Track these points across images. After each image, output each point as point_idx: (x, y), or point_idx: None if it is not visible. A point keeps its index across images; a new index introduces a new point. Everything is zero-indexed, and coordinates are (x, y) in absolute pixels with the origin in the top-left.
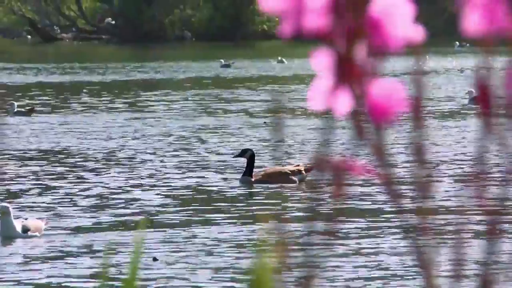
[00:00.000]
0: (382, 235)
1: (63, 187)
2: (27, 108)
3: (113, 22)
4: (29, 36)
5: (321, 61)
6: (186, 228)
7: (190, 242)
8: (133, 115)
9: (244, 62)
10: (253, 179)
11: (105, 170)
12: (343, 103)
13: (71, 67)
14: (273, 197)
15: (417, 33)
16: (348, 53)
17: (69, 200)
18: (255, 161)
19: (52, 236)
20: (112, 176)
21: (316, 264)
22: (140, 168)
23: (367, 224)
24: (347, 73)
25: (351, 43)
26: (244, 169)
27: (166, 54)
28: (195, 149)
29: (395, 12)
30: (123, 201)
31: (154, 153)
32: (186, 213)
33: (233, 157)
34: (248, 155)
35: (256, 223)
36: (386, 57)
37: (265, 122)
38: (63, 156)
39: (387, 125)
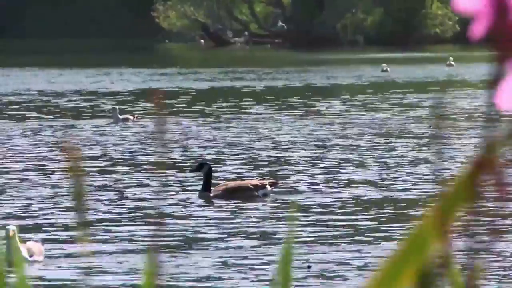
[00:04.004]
0: None
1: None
2: (132, 114)
3: (285, 26)
4: (202, 41)
5: None
6: (345, 241)
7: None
8: (298, 122)
9: (412, 67)
10: (211, 194)
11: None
12: None
13: (242, 71)
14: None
15: None
16: None
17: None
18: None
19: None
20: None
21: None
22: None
23: None
24: None
25: None
26: (202, 184)
27: (335, 59)
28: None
29: None
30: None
31: (313, 159)
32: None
33: (189, 171)
34: (205, 169)
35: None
36: None
37: (429, 127)
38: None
39: None
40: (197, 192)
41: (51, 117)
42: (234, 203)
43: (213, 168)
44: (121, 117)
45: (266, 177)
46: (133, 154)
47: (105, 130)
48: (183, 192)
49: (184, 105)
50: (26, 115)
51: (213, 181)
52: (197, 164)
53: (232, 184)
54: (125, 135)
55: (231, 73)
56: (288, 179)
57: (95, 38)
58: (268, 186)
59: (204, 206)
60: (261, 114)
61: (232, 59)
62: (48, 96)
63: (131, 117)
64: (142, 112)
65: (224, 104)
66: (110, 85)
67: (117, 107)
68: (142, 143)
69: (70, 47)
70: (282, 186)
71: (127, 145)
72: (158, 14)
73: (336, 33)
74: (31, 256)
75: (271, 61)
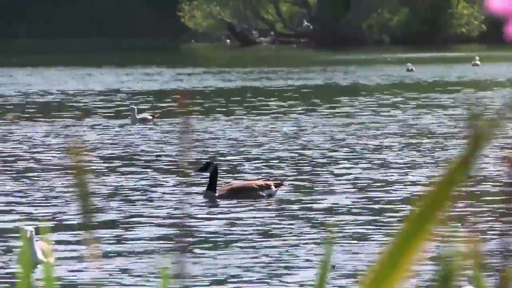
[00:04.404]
0: None
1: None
2: (151, 115)
3: (311, 26)
4: (228, 41)
5: None
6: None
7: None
8: (319, 121)
9: (437, 66)
10: (216, 194)
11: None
12: None
13: (267, 71)
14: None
15: None
16: None
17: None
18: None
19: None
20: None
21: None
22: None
23: None
24: None
25: None
26: (208, 184)
27: (360, 59)
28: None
29: None
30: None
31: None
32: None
33: (195, 171)
34: (211, 169)
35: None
36: None
37: (455, 127)
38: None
39: None
40: (203, 192)
41: (71, 116)
42: (239, 203)
43: (235, 167)
44: (138, 117)
45: (272, 178)
46: (149, 155)
47: (121, 131)
48: (192, 191)
49: (208, 104)
50: (46, 115)
51: (234, 180)
52: (203, 163)
53: (237, 184)
54: (141, 136)
55: (257, 73)
56: (311, 179)
57: (100, 38)
58: (273, 187)
59: (209, 206)
60: (285, 113)
61: (257, 59)
62: (71, 96)
63: (150, 117)
64: (162, 112)
65: (249, 104)
66: (136, 84)
67: (135, 107)
68: (158, 143)
69: (94, 46)
70: (302, 186)
71: (143, 146)
72: (183, 14)
73: (362, 33)
74: (45, 257)
75: (297, 60)
